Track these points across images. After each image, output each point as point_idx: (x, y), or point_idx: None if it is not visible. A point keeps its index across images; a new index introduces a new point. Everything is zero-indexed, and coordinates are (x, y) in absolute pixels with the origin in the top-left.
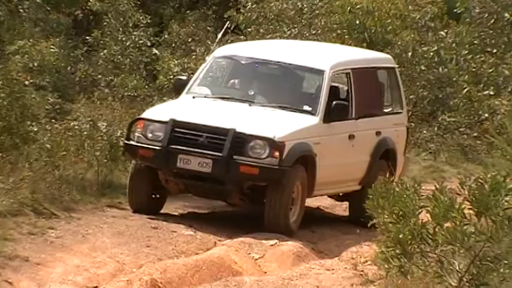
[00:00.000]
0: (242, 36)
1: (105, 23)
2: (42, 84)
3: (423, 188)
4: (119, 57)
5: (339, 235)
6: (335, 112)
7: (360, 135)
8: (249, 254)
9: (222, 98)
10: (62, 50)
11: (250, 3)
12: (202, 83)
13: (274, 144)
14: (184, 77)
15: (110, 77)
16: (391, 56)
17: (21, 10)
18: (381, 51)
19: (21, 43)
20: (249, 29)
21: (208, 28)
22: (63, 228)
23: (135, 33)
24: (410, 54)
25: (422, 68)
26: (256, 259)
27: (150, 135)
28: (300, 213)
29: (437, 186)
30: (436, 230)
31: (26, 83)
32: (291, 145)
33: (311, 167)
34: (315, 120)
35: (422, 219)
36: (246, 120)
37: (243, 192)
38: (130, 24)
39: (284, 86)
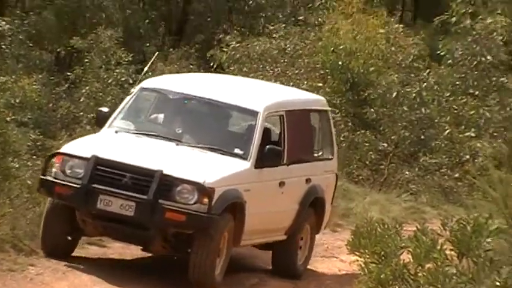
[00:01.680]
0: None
1: (87, 60)
2: (24, 121)
3: (404, 228)
4: (101, 94)
5: (318, 275)
6: (267, 157)
7: (290, 182)
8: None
9: (147, 135)
10: (44, 86)
11: (234, 43)
12: (126, 116)
13: (203, 190)
14: (106, 109)
15: (91, 114)
16: (375, 95)
17: (3, 46)
18: (364, 91)
19: (3, 79)
20: (232, 68)
21: (191, 66)
22: (43, 265)
23: (117, 70)
24: (394, 95)
25: (405, 108)
26: None
27: (68, 171)
28: (225, 265)
29: (419, 227)
30: (418, 270)
31: (8, 119)
32: (220, 191)
33: (240, 215)
34: (246, 165)
35: (403, 260)
36: (173, 162)
37: (166, 239)
38: (113, 62)
39: (214, 126)
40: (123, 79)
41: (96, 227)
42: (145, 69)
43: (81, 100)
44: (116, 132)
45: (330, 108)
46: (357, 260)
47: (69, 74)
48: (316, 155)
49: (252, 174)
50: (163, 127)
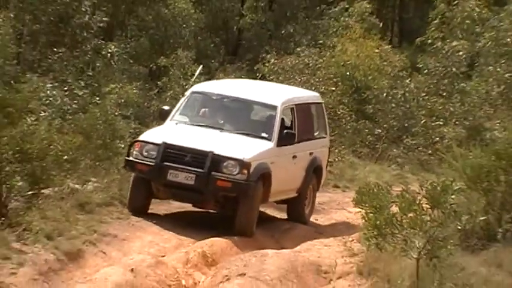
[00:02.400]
0: None
1: (171, 73)
2: (127, 115)
3: (393, 189)
4: (180, 96)
5: (333, 222)
6: (285, 139)
7: (299, 155)
8: (272, 235)
9: (199, 125)
10: (140, 91)
11: (273, 60)
12: (182, 112)
13: (243, 164)
14: (167, 107)
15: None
16: (372, 96)
17: (113, 63)
18: (364, 93)
19: (113, 86)
20: (271, 77)
21: (243, 76)
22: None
23: (191, 79)
24: (385, 95)
25: (393, 105)
26: (276, 238)
27: (145, 153)
28: (256, 217)
29: (404, 188)
30: (403, 218)
31: (116, 113)
32: (255, 164)
33: (268, 181)
34: (270, 145)
35: (392, 211)
36: (220, 144)
37: (217, 200)
38: (189, 73)
39: (245, 117)
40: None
41: (166, 193)
42: (194, 78)
43: (167, 100)
44: (176, 124)
45: (323, 101)
46: (360, 211)
47: (158, 82)
48: (315, 134)
49: (275, 151)
50: (209, 119)
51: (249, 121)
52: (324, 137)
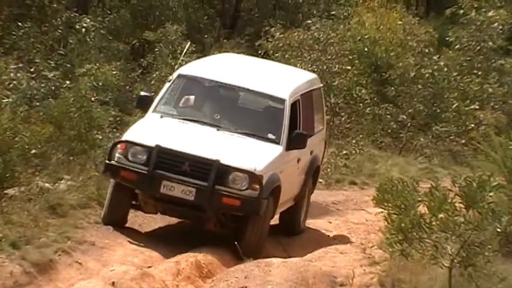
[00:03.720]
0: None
1: (157, 50)
2: (105, 100)
3: (420, 185)
4: (169, 77)
5: (350, 224)
6: (295, 141)
7: (302, 158)
8: (278, 241)
9: (190, 120)
10: (121, 72)
11: (277, 34)
12: (168, 101)
13: (255, 177)
14: (146, 93)
15: None
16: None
17: (88, 39)
18: (385, 72)
19: (89, 66)
20: (276, 55)
21: (242, 54)
22: None
23: (179, 58)
24: (410, 75)
25: (419, 86)
26: (283, 244)
27: (131, 157)
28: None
29: (433, 184)
30: (432, 220)
31: (92, 99)
32: (267, 177)
33: (277, 195)
34: (279, 149)
35: (420, 211)
36: (225, 150)
37: (218, 219)
38: (178, 51)
39: (246, 112)
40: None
41: (156, 207)
42: (181, 57)
43: (152, 83)
44: (161, 117)
45: (322, 85)
46: (381, 212)
47: (142, 61)
48: (315, 128)
49: (284, 157)
50: (201, 112)
51: (251, 117)
52: (322, 129)
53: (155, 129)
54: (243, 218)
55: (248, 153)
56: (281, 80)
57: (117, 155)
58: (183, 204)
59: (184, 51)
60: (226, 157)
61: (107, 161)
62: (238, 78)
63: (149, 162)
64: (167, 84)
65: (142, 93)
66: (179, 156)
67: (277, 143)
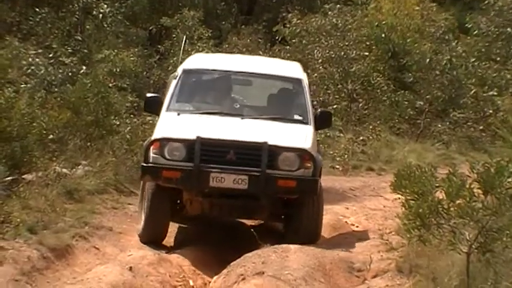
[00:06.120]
0: (288, 47)
1: (174, 36)
2: (123, 86)
3: (438, 172)
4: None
5: (367, 210)
6: (322, 120)
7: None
8: None
9: (211, 113)
10: (139, 58)
11: (295, 20)
12: (180, 99)
13: (307, 155)
14: (153, 94)
15: None
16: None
17: (105, 25)
18: (403, 59)
19: (106, 52)
20: (294, 40)
21: (259, 40)
22: None
23: (198, 44)
24: (427, 61)
25: (437, 73)
26: None
27: (169, 155)
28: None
29: (451, 170)
30: (450, 206)
31: (110, 85)
32: (315, 155)
33: (320, 176)
34: (311, 129)
35: (438, 197)
36: (267, 134)
37: (271, 206)
38: (195, 37)
39: (263, 96)
40: (204, 51)
41: (204, 205)
42: (181, 53)
43: (169, 69)
44: (178, 114)
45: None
46: (399, 198)
47: (159, 47)
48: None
49: (315, 136)
50: (220, 104)
51: (270, 102)
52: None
53: (182, 124)
54: (296, 203)
55: (288, 134)
56: (283, 64)
57: (151, 155)
58: (235, 196)
59: (182, 46)
60: (272, 139)
61: (144, 164)
62: (245, 66)
63: (192, 156)
64: (174, 81)
65: (148, 94)
66: (224, 146)
67: (306, 123)
